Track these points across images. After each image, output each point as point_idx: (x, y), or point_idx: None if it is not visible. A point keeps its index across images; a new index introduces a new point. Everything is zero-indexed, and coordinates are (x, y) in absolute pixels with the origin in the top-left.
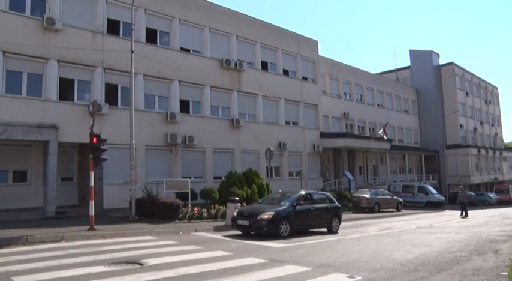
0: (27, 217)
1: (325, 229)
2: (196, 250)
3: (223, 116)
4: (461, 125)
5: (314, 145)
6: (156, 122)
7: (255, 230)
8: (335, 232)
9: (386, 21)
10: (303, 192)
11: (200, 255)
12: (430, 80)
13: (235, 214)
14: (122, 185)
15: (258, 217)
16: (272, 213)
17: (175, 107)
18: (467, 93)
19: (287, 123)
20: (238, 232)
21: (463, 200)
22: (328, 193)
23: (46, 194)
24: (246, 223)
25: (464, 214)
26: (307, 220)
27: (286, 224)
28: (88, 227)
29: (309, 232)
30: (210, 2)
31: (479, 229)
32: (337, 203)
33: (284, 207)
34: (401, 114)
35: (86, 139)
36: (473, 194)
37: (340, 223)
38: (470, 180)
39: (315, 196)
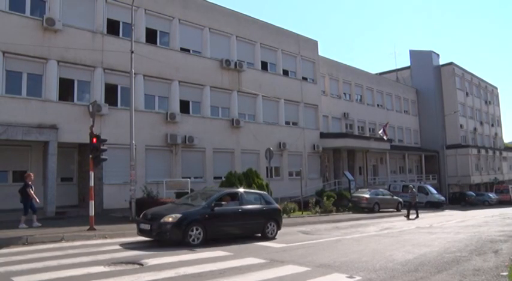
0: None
1: (259, 235)
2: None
3: (223, 116)
4: (461, 125)
5: (314, 145)
6: (156, 122)
7: (157, 236)
8: (272, 238)
9: (386, 21)
10: (227, 190)
11: (200, 255)
12: (430, 80)
13: (141, 216)
14: (121, 185)
15: (162, 220)
16: (178, 216)
17: (175, 107)
18: (467, 94)
19: (287, 123)
20: None
21: (411, 200)
22: (264, 193)
23: (46, 195)
24: (147, 227)
25: (410, 215)
26: (231, 224)
27: (197, 230)
28: (88, 227)
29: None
30: (210, 2)
31: (479, 229)
32: (275, 205)
33: (197, 208)
34: (401, 114)
35: (86, 139)
36: (416, 193)
37: (278, 228)
38: (470, 180)
39: (245, 196)
